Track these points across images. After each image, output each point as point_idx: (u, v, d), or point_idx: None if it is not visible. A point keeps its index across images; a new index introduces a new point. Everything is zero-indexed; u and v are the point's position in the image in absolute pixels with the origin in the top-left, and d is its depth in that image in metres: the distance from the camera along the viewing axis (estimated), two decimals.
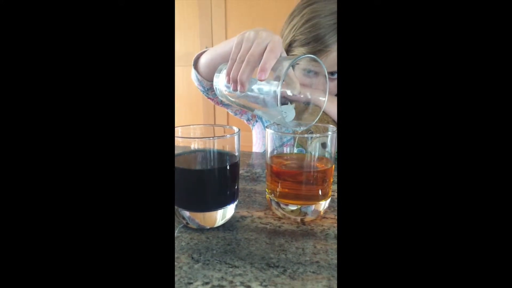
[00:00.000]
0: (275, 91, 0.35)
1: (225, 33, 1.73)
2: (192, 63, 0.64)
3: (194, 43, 1.81)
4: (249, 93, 0.39)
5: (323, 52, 0.62)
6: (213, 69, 0.57)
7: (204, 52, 0.62)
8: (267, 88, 0.36)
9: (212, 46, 1.80)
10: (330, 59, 0.63)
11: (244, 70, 0.37)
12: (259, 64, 0.37)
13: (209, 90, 0.66)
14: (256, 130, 0.78)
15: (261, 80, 0.35)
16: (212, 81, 0.63)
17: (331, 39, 0.61)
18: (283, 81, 0.34)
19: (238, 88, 0.38)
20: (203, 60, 0.62)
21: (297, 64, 0.62)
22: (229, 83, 0.40)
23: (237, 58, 0.39)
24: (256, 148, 0.79)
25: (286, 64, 0.35)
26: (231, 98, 0.43)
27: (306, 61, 0.67)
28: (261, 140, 0.77)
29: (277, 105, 0.34)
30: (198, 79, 0.64)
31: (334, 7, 0.63)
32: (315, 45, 0.62)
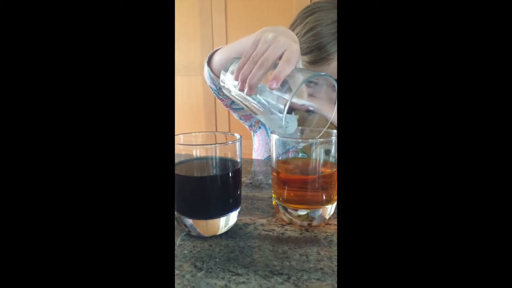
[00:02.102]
0: (284, 102, 0.34)
1: (225, 42, 1.75)
2: (206, 61, 0.63)
3: (195, 53, 1.82)
4: (255, 96, 0.38)
5: (325, 60, 0.63)
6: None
7: (218, 50, 0.61)
8: (276, 96, 0.36)
9: None
10: (333, 67, 0.63)
11: (255, 73, 0.36)
12: (272, 69, 0.36)
13: (220, 89, 0.64)
14: (258, 137, 0.78)
15: (271, 89, 0.34)
16: None
17: (333, 48, 0.62)
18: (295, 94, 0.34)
19: (246, 90, 0.37)
20: (217, 58, 0.60)
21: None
22: (237, 80, 0.39)
23: (251, 57, 0.38)
24: (258, 155, 0.79)
25: (300, 78, 0.35)
26: (235, 96, 0.43)
27: (306, 67, 0.67)
28: (263, 147, 0.77)
29: (283, 117, 0.34)
30: (211, 77, 0.63)
31: (336, 15, 0.63)
32: (318, 53, 0.63)
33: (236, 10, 1.71)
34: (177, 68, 1.83)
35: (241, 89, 0.38)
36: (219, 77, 0.63)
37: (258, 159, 0.76)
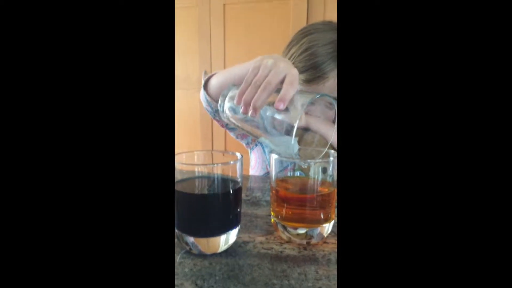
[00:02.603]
0: (291, 125, 0.36)
1: (223, 58, 1.78)
2: (202, 84, 0.65)
3: (193, 67, 1.85)
4: (257, 120, 0.40)
5: (321, 79, 0.65)
6: (222, 89, 0.58)
7: (214, 74, 0.64)
8: (280, 119, 0.37)
9: (211, 70, 1.82)
10: (328, 86, 0.65)
11: (260, 96, 0.38)
12: (275, 93, 0.37)
13: (217, 112, 0.66)
14: (255, 154, 0.80)
15: (278, 110, 0.36)
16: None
17: (328, 67, 0.64)
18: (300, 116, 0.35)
19: (250, 112, 0.39)
20: (214, 81, 0.63)
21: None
22: (238, 105, 0.40)
23: (253, 82, 0.39)
24: (255, 171, 0.80)
25: (302, 100, 0.37)
26: (235, 122, 0.44)
27: (302, 85, 0.69)
28: (260, 164, 0.78)
29: (292, 139, 0.35)
30: (207, 100, 0.65)
31: (331, 36, 0.65)
32: (313, 72, 0.65)
33: (235, 25, 1.75)
34: (175, 82, 1.85)
35: (245, 112, 0.39)
36: (215, 100, 0.65)
37: (255, 175, 0.77)
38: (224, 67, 1.79)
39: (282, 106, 0.36)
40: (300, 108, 0.36)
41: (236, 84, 0.45)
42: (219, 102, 0.46)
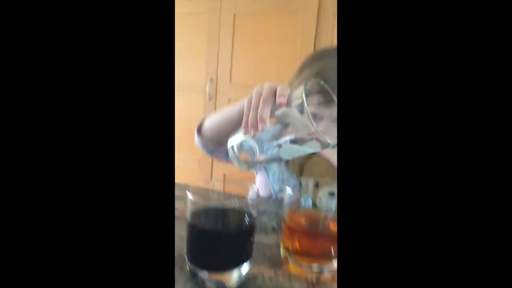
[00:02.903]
0: (302, 105, 0.36)
1: (230, 65, 1.78)
2: (196, 129, 0.69)
3: (199, 73, 1.85)
4: (274, 140, 0.40)
5: (332, 102, 0.66)
6: (218, 130, 0.63)
7: (206, 118, 0.68)
8: (291, 114, 0.38)
9: (217, 77, 1.82)
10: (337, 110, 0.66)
11: (263, 109, 0.39)
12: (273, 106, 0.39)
13: (213, 151, 0.70)
14: (259, 177, 0.81)
15: (281, 105, 0.37)
16: (216, 143, 0.66)
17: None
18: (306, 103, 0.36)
19: (260, 126, 0.39)
20: (207, 123, 0.67)
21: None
22: (246, 134, 0.41)
23: (252, 106, 0.40)
24: (260, 192, 0.81)
25: (297, 93, 0.37)
26: (250, 161, 0.43)
27: (312, 106, 0.70)
28: (264, 186, 0.79)
29: (307, 119, 0.35)
30: (202, 143, 0.69)
31: None
32: (324, 96, 0.66)
33: (244, 35, 1.75)
34: (181, 85, 1.85)
35: (255, 133, 0.40)
36: (210, 142, 0.68)
37: (259, 197, 0.77)
38: (230, 75, 1.79)
39: (284, 100, 0.37)
40: (303, 89, 0.36)
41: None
42: (229, 153, 0.45)
